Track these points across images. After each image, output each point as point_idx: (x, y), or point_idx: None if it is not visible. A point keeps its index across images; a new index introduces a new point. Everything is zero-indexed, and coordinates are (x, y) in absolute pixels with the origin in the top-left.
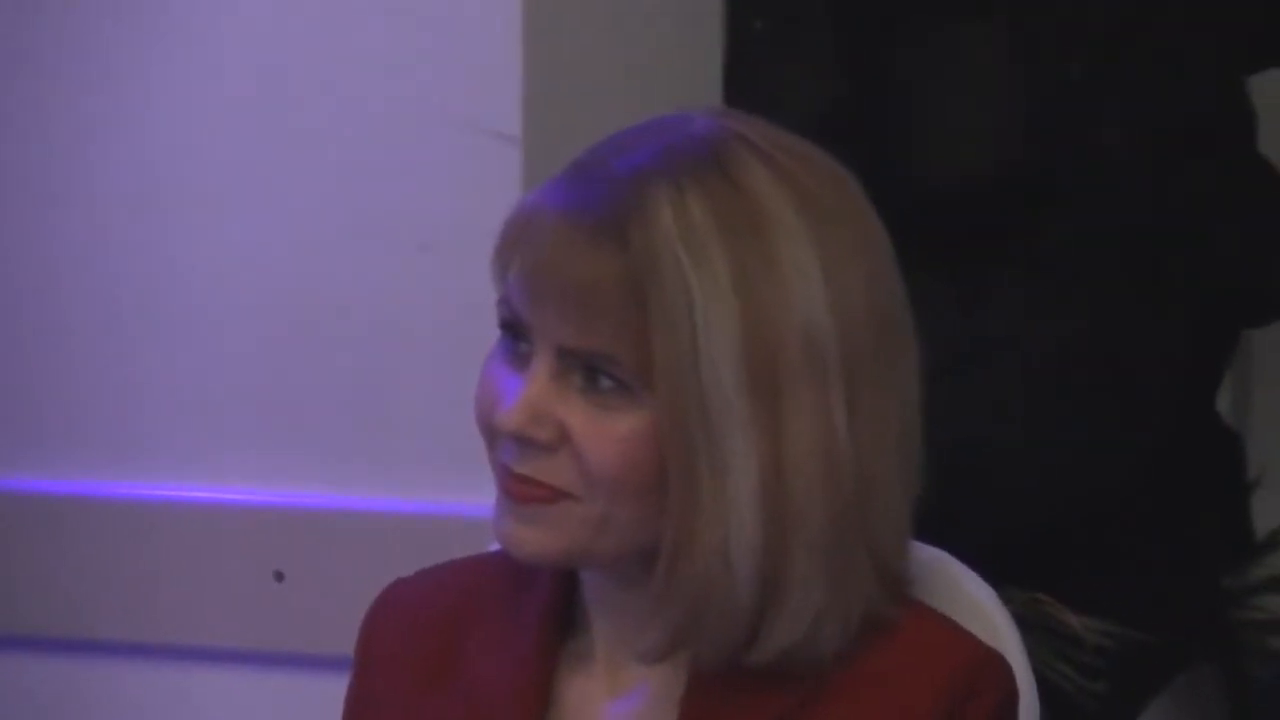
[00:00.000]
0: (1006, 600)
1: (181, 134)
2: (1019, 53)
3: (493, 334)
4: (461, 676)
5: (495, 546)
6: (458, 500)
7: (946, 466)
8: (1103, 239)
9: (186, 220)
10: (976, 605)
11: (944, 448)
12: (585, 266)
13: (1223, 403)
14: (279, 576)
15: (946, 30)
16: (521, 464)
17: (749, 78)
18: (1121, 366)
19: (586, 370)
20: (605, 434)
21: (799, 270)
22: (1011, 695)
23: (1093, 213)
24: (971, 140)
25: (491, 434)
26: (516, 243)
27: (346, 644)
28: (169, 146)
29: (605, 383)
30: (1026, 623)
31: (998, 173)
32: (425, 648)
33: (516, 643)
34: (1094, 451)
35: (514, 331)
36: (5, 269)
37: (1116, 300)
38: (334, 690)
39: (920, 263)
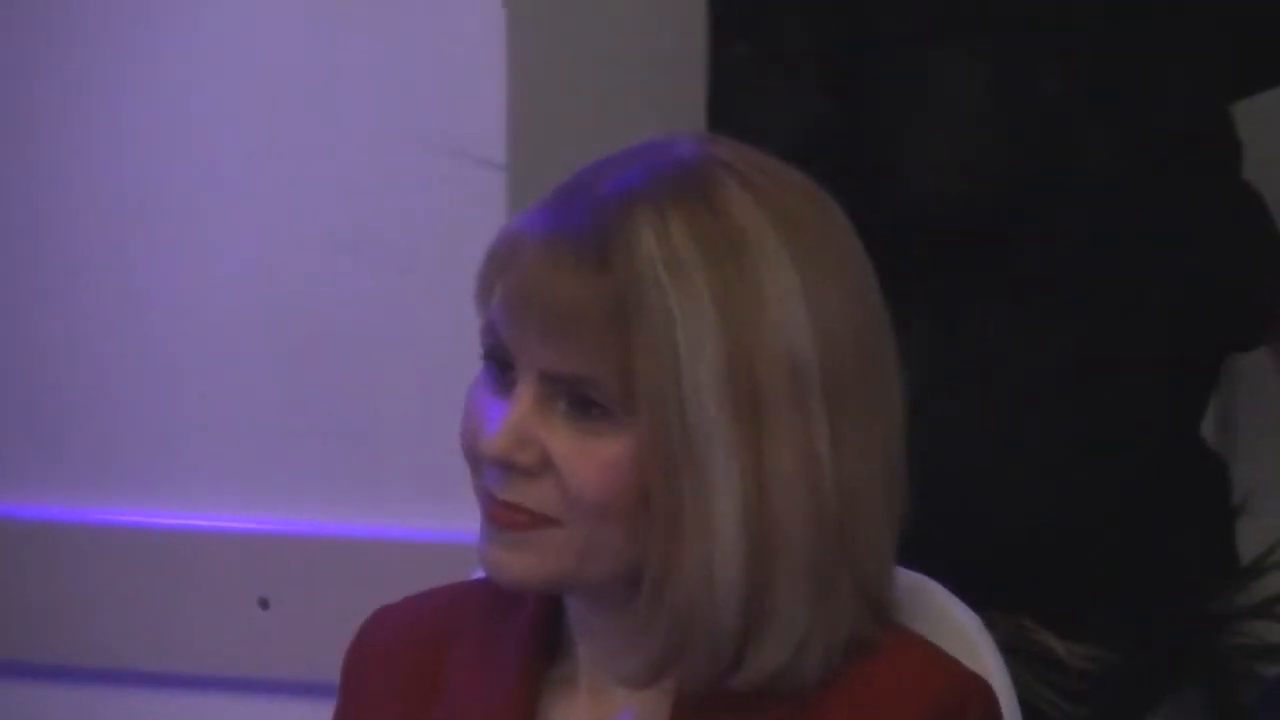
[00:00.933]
0: (990, 625)
1: (165, 159)
2: (1000, 75)
3: (478, 360)
4: (445, 702)
5: (480, 572)
6: (443, 526)
7: (926, 490)
8: (1083, 261)
9: (169, 246)
10: (960, 630)
11: (923, 472)
12: (568, 291)
13: (1207, 428)
14: (264, 603)
15: (927, 52)
16: (505, 490)
17: (732, 102)
18: (1101, 389)
19: (570, 395)
20: (588, 458)
21: (781, 294)
22: (994, 719)
23: (1073, 236)
24: (952, 163)
25: (475, 460)
26: (500, 269)
27: (332, 670)
28: (151, 171)
29: (589, 408)
30: (1011, 647)
31: (978, 196)
32: (409, 674)
33: (500, 668)
34: (1073, 476)
35: (498, 357)
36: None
37: (1096, 322)
38: (319, 717)
39: (900, 285)
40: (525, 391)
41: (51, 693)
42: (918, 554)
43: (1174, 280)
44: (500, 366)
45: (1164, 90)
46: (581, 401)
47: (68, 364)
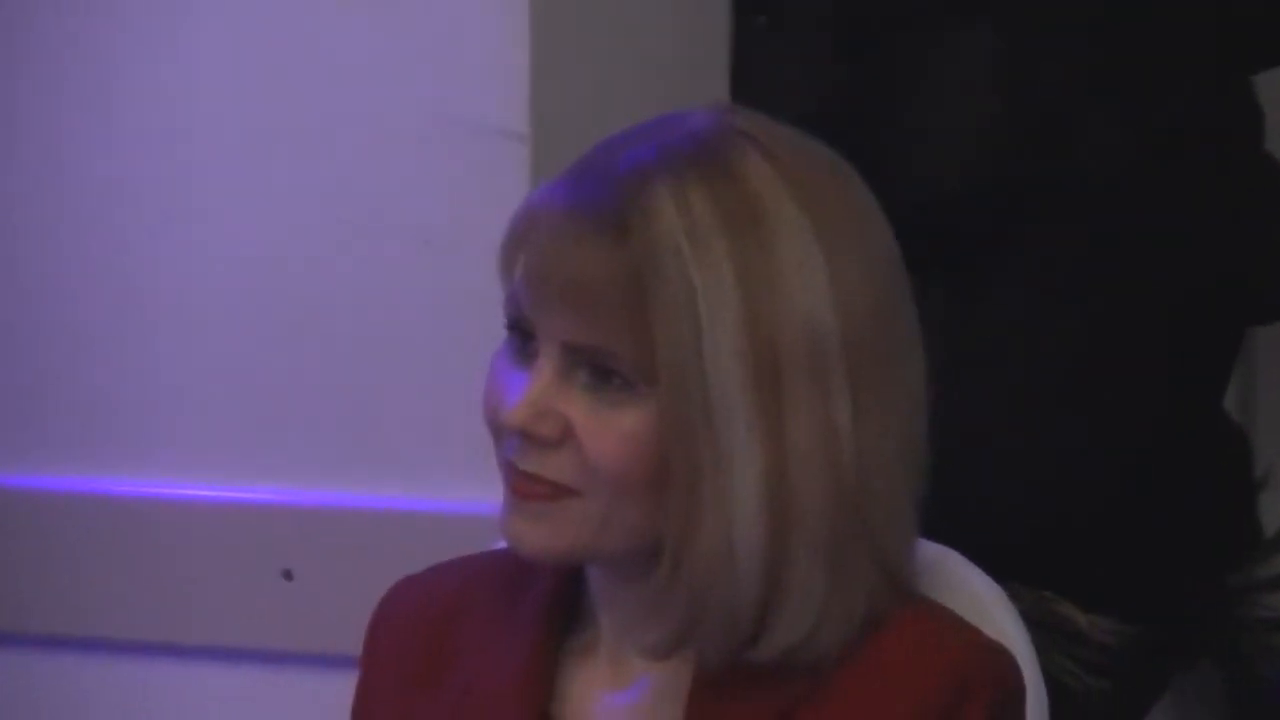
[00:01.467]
0: (1013, 597)
1: (188, 131)
2: (1008, 57)
3: (501, 332)
4: (461, 670)
5: (503, 543)
6: (466, 498)
7: (944, 468)
8: (1086, 258)
9: (193, 216)
10: (983, 602)
11: (942, 450)
12: (588, 263)
13: (1229, 401)
14: (288, 575)
15: (936, 35)
16: (526, 460)
17: (753, 73)
18: (1115, 367)
19: (591, 367)
20: (608, 430)
21: (801, 264)
22: (1015, 689)
23: (1076, 232)
24: (962, 144)
25: (497, 430)
26: (521, 241)
27: (355, 643)
28: (173, 142)
29: (609, 379)
30: (1033, 619)
31: (988, 176)
32: (427, 642)
33: (518, 636)
34: (1089, 453)
35: (520, 329)
36: (13, 267)
37: (1100, 316)
38: (343, 689)
39: (911, 266)
40: (546, 363)
41: (78, 665)
42: (938, 528)
43: (1184, 259)
44: (523, 337)
45: (1175, 74)
46: (602, 372)
47: (92, 338)
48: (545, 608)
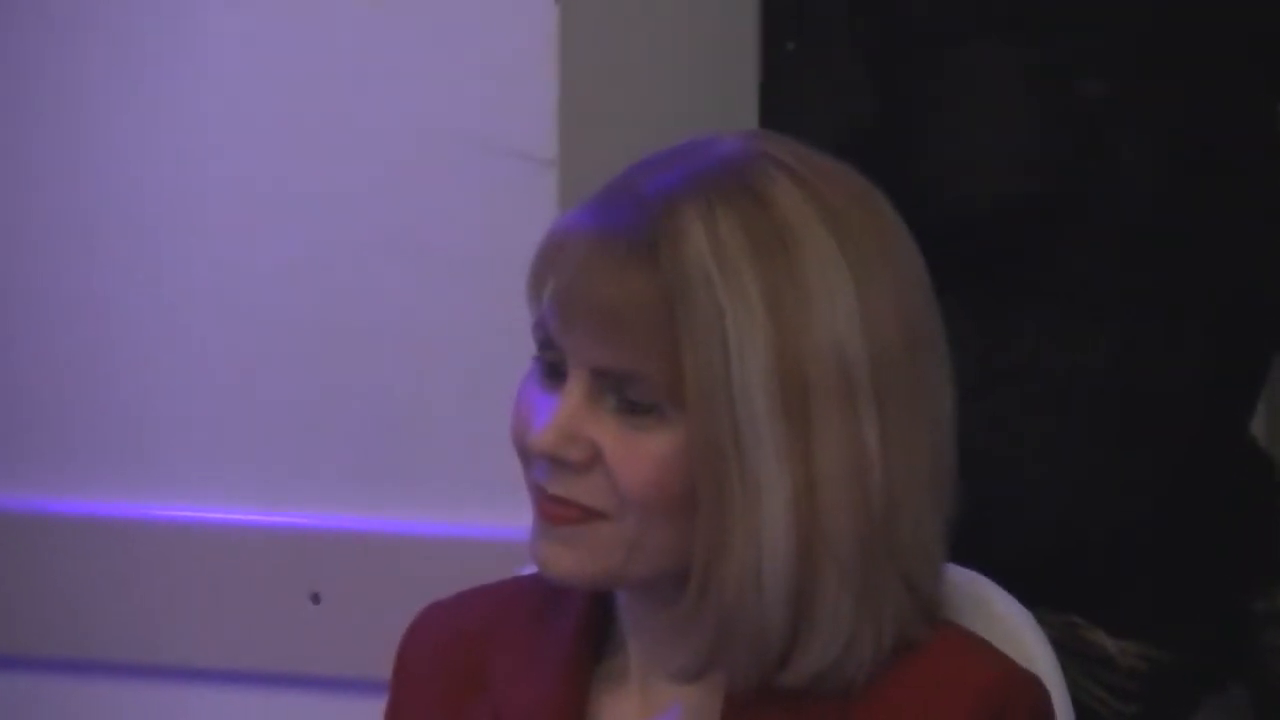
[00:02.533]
0: (1041, 623)
1: (212, 152)
2: (1038, 76)
3: (531, 356)
4: (491, 696)
5: (532, 568)
6: (495, 522)
7: (968, 490)
8: (1122, 262)
9: (221, 237)
10: (1011, 627)
11: (965, 471)
12: (616, 287)
13: (1256, 427)
14: (316, 598)
15: (965, 54)
16: (555, 484)
17: (781, 99)
18: (1141, 390)
19: (620, 391)
20: (637, 454)
21: (829, 289)
22: (1045, 716)
23: (1112, 237)
24: (991, 164)
25: (525, 454)
26: (549, 265)
27: (383, 666)
28: (198, 163)
29: (638, 403)
30: (1060, 645)
31: (1017, 196)
32: (457, 668)
33: (549, 662)
34: (1109, 478)
35: (549, 353)
36: (28, 279)
37: (1136, 323)
38: (371, 713)
39: (941, 287)
40: (575, 387)
41: (105, 689)
42: (965, 551)
43: (1213, 282)
44: (551, 361)
45: (1205, 94)
46: (631, 397)
47: (125, 360)
48: (576, 634)
